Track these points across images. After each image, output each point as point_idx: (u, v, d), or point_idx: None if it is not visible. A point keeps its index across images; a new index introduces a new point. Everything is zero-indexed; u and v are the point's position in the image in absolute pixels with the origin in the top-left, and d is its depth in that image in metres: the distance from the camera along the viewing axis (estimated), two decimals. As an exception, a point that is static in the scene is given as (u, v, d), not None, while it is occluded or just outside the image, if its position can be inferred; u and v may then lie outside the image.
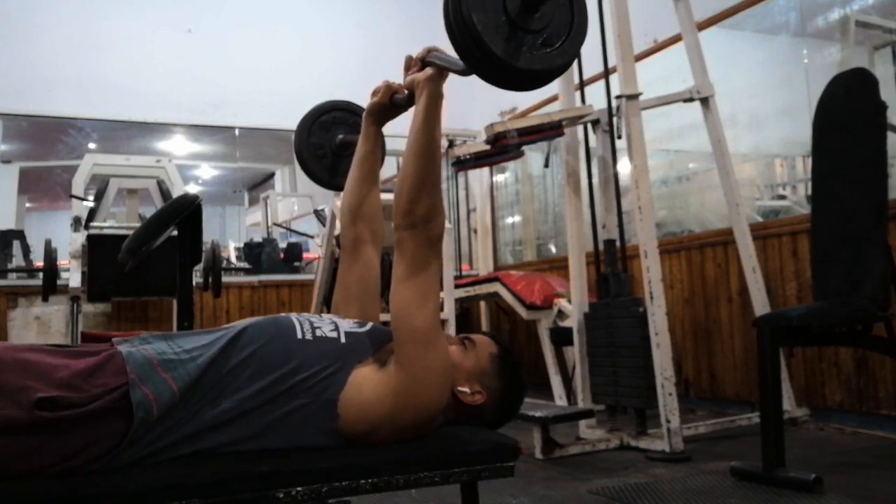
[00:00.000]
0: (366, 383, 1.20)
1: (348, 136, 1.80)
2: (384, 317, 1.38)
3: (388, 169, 5.90)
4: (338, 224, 4.36)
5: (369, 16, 6.18)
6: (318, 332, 1.26)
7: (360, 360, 1.23)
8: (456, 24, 1.09)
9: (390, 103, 1.50)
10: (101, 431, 1.06)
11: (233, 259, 6.12)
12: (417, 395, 1.20)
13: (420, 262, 1.24)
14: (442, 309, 3.18)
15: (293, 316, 1.29)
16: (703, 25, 3.74)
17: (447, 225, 3.61)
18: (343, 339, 1.26)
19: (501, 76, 1.13)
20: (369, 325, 1.34)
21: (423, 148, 1.26)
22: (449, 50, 1.24)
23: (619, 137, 3.32)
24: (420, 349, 1.21)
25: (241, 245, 6.22)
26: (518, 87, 1.17)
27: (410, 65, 1.38)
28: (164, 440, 1.10)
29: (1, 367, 1.05)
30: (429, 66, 1.32)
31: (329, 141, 1.85)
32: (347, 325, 1.32)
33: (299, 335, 1.24)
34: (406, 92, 1.42)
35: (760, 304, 3.33)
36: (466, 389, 1.30)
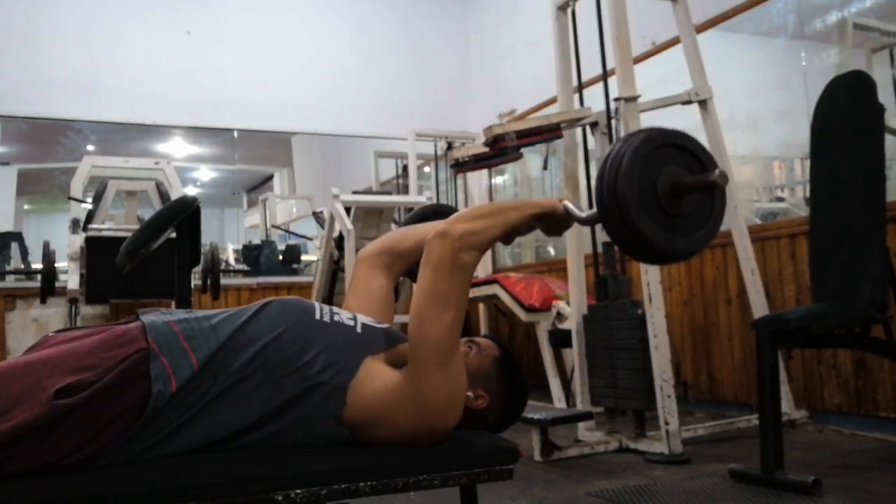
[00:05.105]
0: (376, 375, 1.20)
1: None
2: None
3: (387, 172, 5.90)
4: (337, 226, 4.36)
5: (368, 19, 6.18)
6: (336, 318, 1.27)
7: (374, 353, 1.24)
8: (609, 203, 1.22)
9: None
10: (118, 407, 1.06)
11: (231, 261, 6.11)
12: (420, 410, 1.19)
13: (443, 271, 1.22)
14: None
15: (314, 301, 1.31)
16: (701, 28, 3.74)
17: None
18: (359, 329, 1.27)
19: (644, 254, 1.29)
20: (386, 325, 1.36)
21: (493, 211, 1.30)
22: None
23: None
24: (430, 364, 1.19)
25: (240, 247, 6.22)
26: (651, 261, 1.41)
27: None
28: (180, 418, 1.09)
29: (11, 378, 1.05)
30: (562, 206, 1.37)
31: None
32: (365, 318, 1.33)
33: (318, 316, 1.25)
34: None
35: (759, 307, 3.33)
36: (470, 394, 1.30)
